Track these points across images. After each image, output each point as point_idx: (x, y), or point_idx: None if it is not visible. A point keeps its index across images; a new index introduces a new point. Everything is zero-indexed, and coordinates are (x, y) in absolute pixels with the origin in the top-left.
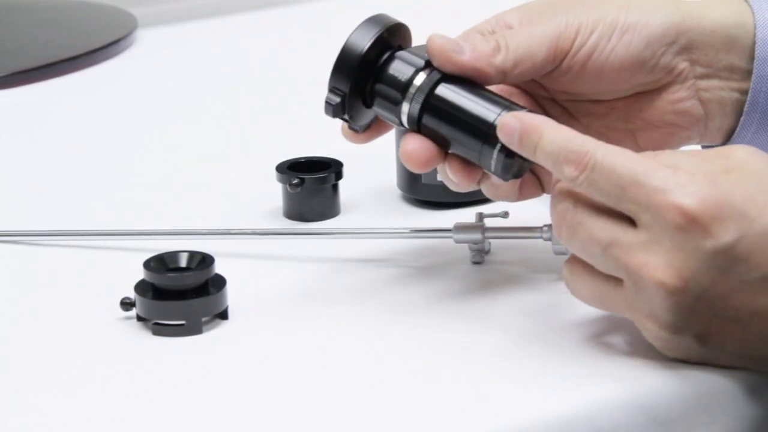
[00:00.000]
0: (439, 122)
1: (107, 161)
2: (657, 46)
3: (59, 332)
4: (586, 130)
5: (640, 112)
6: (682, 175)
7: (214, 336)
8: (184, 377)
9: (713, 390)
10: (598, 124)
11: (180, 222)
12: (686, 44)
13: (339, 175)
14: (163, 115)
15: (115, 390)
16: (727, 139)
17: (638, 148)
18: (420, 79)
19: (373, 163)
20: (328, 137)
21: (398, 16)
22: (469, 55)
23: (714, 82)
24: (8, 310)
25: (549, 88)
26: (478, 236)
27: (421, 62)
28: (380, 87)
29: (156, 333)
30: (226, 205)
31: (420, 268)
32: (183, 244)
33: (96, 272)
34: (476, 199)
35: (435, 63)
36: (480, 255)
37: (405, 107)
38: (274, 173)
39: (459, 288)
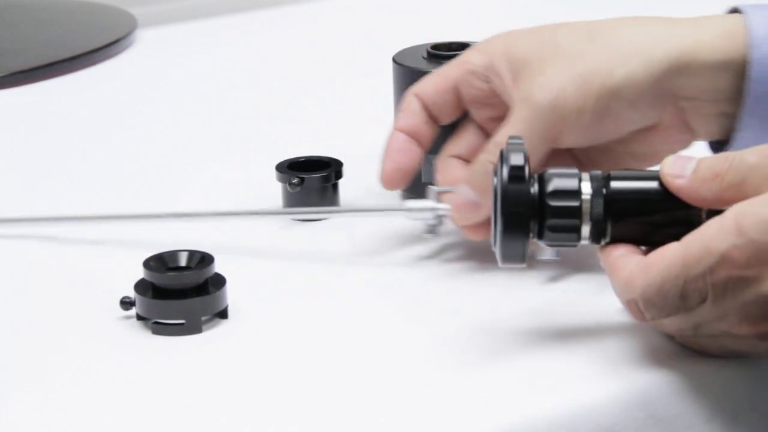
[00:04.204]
0: (627, 223)
1: (107, 161)
2: (642, 105)
3: (59, 331)
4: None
5: (634, 143)
6: (712, 238)
7: (214, 335)
8: (183, 376)
9: (713, 387)
10: (600, 158)
11: (180, 220)
12: (670, 91)
13: (339, 175)
14: (163, 115)
15: (114, 389)
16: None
17: (638, 167)
18: (587, 191)
19: (373, 163)
20: (328, 137)
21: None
22: (485, 205)
23: (700, 110)
24: (7, 308)
25: None
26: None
27: (575, 172)
28: (552, 215)
29: (156, 332)
30: (227, 205)
31: (420, 267)
32: (182, 244)
33: (96, 271)
34: None
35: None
36: (432, 228)
37: (586, 227)
38: (274, 173)
39: (458, 286)
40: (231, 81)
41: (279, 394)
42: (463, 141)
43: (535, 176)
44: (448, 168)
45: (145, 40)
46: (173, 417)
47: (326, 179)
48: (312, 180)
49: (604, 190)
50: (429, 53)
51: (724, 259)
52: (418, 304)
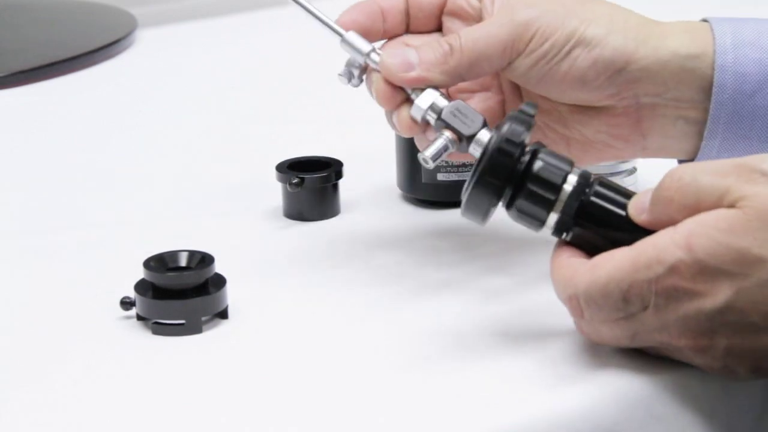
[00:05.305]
0: (592, 230)
1: (107, 161)
2: (602, 69)
3: (59, 331)
4: None
5: (577, 123)
6: (663, 249)
7: (214, 335)
8: (184, 377)
9: (712, 386)
10: (539, 118)
11: (180, 220)
12: (635, 75)
13: (339, 175)
14: (163, 115)
15: (114, 389)
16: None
17: (569, 154)
18: (570, 185)
19: (373, 163)
20: (328, 137)
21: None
22: (418, 71)
23: (658, 110)
24: (7, 308)
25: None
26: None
27: (567, 166)
28: (526, 196)
29: (156, 332)
30: (226, 205)
31: (422, 267)
32: (182, 244)
33: (96, 272)
34: None
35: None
36: (350, 73)
37: (553, 217)
38: (274, 173)
39: (458, 287)
40: (231, 81)
41: (279, 394)
42: (423, 38)
43: (530, 149)
44: (397, 46)
45: (145, 40)
46: (173, 417)
47: (326, 179)
48: (312, 180)
49: (587, 190)
50: None
51: (672, 270)
52: (419, 305)
